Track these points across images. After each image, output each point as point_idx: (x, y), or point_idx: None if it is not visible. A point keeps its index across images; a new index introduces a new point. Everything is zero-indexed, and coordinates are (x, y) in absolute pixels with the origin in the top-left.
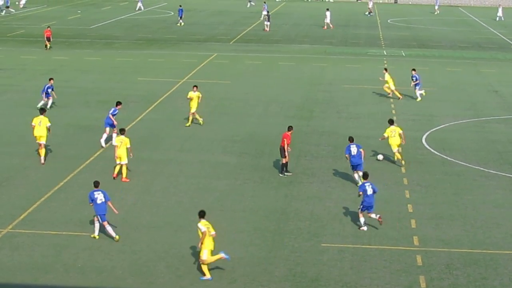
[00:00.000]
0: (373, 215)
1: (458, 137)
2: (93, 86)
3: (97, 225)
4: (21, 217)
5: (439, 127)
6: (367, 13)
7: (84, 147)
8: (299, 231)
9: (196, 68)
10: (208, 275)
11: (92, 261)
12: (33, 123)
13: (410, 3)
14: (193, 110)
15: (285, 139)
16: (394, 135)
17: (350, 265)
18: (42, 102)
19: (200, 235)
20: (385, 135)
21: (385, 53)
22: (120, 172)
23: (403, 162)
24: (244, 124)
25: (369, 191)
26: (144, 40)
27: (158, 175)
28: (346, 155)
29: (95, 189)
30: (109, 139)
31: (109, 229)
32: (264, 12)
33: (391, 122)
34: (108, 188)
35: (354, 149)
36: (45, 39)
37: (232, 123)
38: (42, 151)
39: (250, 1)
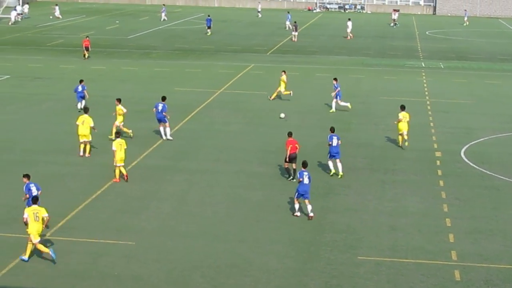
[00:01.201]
0: (309, 207)
1: (498, 150)
2: (131, 96)
3: None
4: (59, 224)
5: (478, 140)
6: (392, 24)
7: None
8: (335, 243)
9: (233, 79)
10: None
11: (128, 269)
12: (77, 122)
13: (449, 14)
14: (118, 122)
15: (290, 145)
16: (404, 121)
17: (387, 278)
18: (80, 104)
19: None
20: (400, 117)
21: (423, 65)
22: (121, 175)
23: (407, 143)
24: (280, 135)
25: (305, 180)
26: (181, 50)
27: (194, 184)
28: (329, 143)
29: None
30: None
31: None
32: (287, 22)
33: (403, 107)
34: (145, 198)
35: (334, 140)
36: (84, 48)
37: (268, 134)
38: (86, 148)
39: (258, 12)
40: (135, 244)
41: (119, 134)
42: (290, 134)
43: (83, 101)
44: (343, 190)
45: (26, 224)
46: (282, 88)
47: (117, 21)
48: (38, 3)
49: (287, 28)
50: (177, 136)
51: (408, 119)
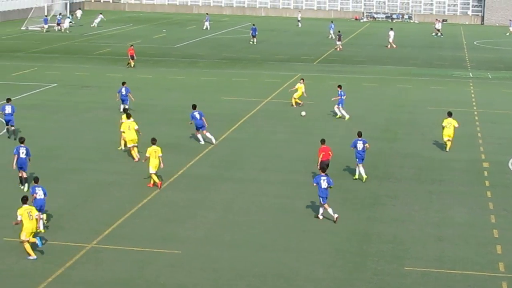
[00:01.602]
0: (330, 210)
1: None
2: (177, 104)
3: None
4: (105, 233)
5: None
6: (434, 34)
7: (167, 165)
8: (382, 253)
9: (280, 88)
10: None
11: (174, 278)
12: (122, 129)
13: (497, 24)
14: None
15: (322, 153)
16: (449, 127)
17: None
18: (123, 106)
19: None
20: (443, 125)
21: (471, 75)
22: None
23: (447, 149)
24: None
25: (323, 184)
26: (228, 59)
27: (240, 194)
28: (352, 148)
29: (36, 184)
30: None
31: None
32: (331, 32)
33: (449, 114)
34: (191, 206)
35: (359, 145)
36: (129, 57)
37: (315, 144)
38: (134, 152)
39: (298, 21)
40: (181, 253)
41: (155, 140)
42: (323, 142)
43: (126, 104)
44: (389, 201)
45: (18, 224)
46: (297, 94)
47: (164, 30)
48: (88, 11)
49: (331, 38)
50: (224, 145)
51: (455, 125)
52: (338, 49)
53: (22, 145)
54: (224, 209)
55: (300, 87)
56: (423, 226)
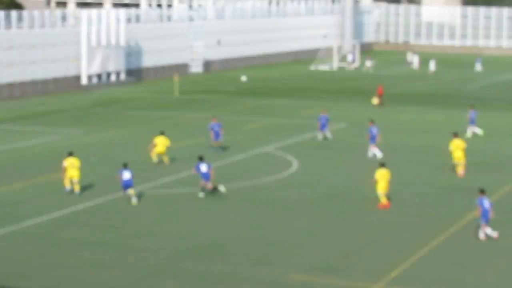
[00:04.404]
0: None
1: None
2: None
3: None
4: (393, 274)
5: None
6: None
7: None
8: None
9: None
10: None
11: None
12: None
13: None
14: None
15: None
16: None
17: None
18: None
19: None
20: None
21: None
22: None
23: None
24: None
25: (486, 204)
26: None
27: None
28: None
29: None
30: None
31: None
32: None
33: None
34: (481, 251)
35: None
36: (377, 95)
37: None
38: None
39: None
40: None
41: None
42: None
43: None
44: None
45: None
46: None
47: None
48: (375, 53)
49: None
50: None
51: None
52: None
53: (202, 161)
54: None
55: None
56: None
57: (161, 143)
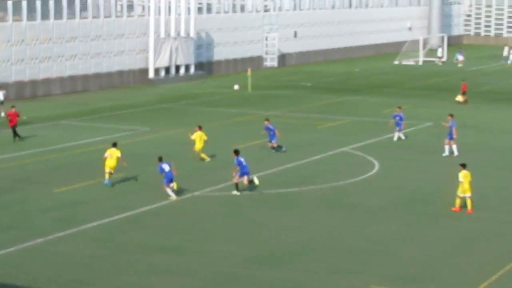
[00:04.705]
0: None
1: None
2: None
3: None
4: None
5: None
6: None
7: None
8: None
9: None
10: None
11: None
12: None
13: None
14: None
15: None
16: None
17: None
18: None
19: None
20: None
21: None
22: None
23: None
24: None
25: None
26: None
27: None
28: None
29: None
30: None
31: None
32: None
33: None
34: None
35: None
36: (461, 92)
37: None
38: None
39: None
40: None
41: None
42: None
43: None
44: None
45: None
46: None
47: None
48: (466, 46)
49: None
50: None
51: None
52: None
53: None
54: None
55: None
56: None
57: (198, 139)
